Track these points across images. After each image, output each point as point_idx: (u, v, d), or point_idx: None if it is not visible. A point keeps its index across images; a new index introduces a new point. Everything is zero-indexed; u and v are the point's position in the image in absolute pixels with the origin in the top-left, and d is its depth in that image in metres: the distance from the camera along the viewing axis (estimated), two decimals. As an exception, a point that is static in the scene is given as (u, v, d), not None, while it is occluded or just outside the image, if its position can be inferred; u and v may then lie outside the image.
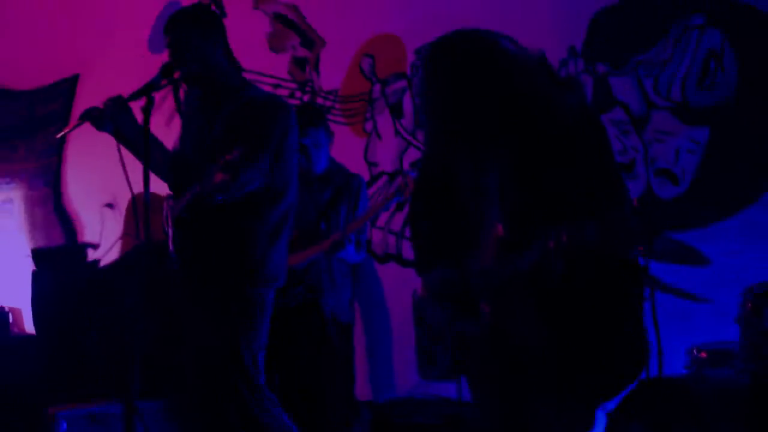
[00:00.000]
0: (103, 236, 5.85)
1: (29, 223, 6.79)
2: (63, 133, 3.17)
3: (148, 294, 2.96)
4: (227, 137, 3.00)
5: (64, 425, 3.60)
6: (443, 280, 2.32)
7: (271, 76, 5.36)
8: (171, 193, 3.11)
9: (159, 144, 3.09)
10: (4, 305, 5.25)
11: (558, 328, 2.15)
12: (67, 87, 6.68)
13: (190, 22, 3.13)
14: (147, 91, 2.84)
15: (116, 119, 2.89)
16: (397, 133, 4.83)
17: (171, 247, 3.11)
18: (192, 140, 3.16)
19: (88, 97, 6.39)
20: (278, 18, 5.35)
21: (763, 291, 3.06)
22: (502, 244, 2.17)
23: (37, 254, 4.74)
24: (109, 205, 5.68)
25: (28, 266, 5.12)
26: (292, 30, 5.32)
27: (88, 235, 6.21)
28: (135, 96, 2.88)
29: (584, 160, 2.14)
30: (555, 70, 2.31)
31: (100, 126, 2.92)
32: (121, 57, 6.06)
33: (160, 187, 3.11)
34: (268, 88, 5.29)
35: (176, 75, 3.03)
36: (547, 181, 2.13)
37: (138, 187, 2.83)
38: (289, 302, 3.71)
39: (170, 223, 3.06)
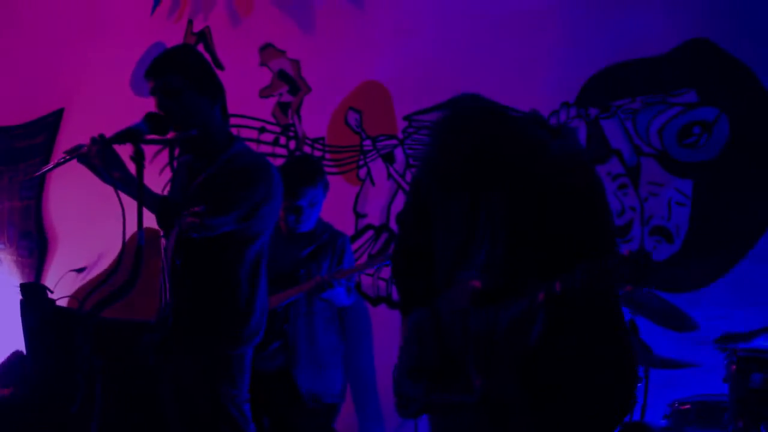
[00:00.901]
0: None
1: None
2: (45, 170, 2.96)
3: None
4: (199, 194, 2.93)
5: None
6: (418, 321, 2.35)
7: (258, 119, 5.36)
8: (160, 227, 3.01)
9: (148, 188, 2.88)
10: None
11: (547, 380, 2.16)
12: (52, 121, 6.63)
13: (181, 69, 2.93)
14: (132, 138, 2.69)
15: (103, 160, 2.73)
16: (389, 176, 4.81)
17: (167, 290, 3.03)
18: (179, 188, 3.09)
19: (72, 132, 6.39)
20: (280, 74, 5.36)
21: (746, 355, 3.19)
22: (477, 294, 2.21)
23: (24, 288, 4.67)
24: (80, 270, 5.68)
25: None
26: (284, 81, 5.34)
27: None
28: (117, 139, 2.71)
29: (575, 206, 2.16)
30: (546, 120, 2.35)
31: (88, 166, 2.76)
32: (104, 93, 6.03)
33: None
34: (253, 133, 5.29)
35: (169, 135, 2.87)
36: (536, 226, 2.16)
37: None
38: (267, 365, 3.58)
39: (168, 268, 3.00)
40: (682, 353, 3.57)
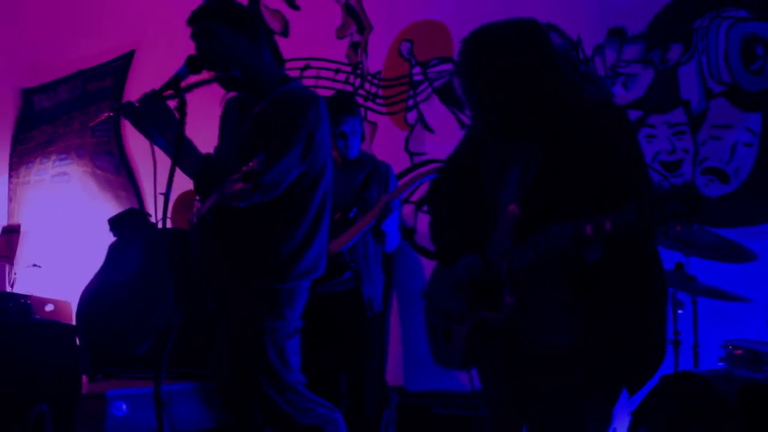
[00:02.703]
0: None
1: (102, 192, 6.88)
2: (94, 123, 3.11)
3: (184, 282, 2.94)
4: (252, 139, 2.93)
5: (123, 406, 3.53)
6: (467, 265, 2.32)
7: (333, 61, 5.48)
8: (197, 194, 3.01)
9: (190, 145, 2.91)
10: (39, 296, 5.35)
11: (587, 316, 2.14)
12: (121, 64, 6.78)
13: (224, 16, 2.98)
14: (175, 87, 2.73)
15: (153, 119, 2.76)
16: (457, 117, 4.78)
17: (193, 247, 3.05)
18: (227, 140, 3.12)
19: (143, 74, 6.53)
20: (347, 9, 5.47)
21: None
22: (518, 224, 2.19)
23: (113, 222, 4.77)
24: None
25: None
26: (353, 19, 5.44)
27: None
28: (164, 90, 2.75)
29: (609, 150, 2.13)
30: (578, 63, 2.29)
31: (134, 124, 2.79)
32: (173, 36, 6.10)
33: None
34: (330, 73, 5.46)
35: (207, 74, 2.91)
36: (573, 171, 2.13)
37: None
38: (339, 288, 3.92)
39: (195, 224, 3.00)
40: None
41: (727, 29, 3.89)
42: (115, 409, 3.52)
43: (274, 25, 5.81)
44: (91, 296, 4.52)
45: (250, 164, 2.56)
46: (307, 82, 5.47)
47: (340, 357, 4.00)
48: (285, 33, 5.79)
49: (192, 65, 2.82)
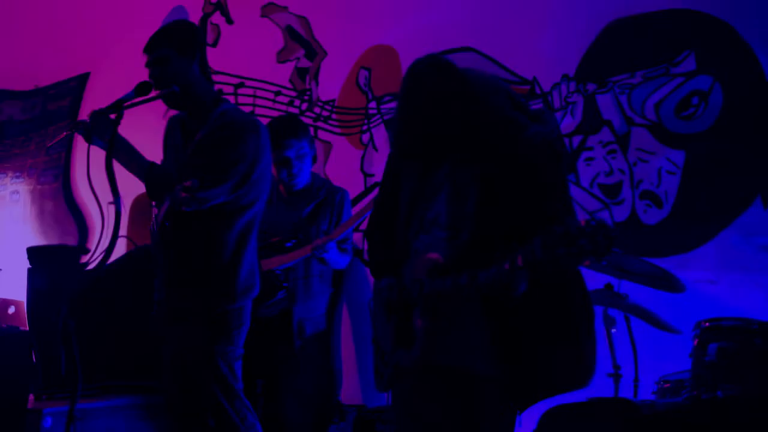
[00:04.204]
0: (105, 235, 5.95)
1: (39, 215, 6.91)
2: (52, 143, 3.27)
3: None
4: (192, 164, 3.10)
5: (49, 421, 3.60)
6: (387, 286, 2.42)
7: (273, 84, 5.49)
8: (152, 203, 3.21)
9: (138, 155, 3.11)
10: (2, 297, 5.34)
11: (497, 344, 2.21)
12: (77, 85, 6.81)
13: (168, 41, 3.16)
14: (119, 105, 2.91)
15: (99, 133, 2.94)
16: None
17: (154, 253, 3.21)
18: (170, 158, 3.28)
19: (97, 95, 6.57)
20: (289, 31, 5.49)
21: (709, 325, 3.09)
22: (437, 267, 2.26)
23: (32, 252, 4.81)
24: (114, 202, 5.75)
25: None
26: (299, 43, 5.45)
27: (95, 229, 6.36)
28: (110, 109, 2.93)
29: (533, 185, 2.22)
30: (521, 101, 2.39)
31: (86, 139, 2.99)
32: (129, 56, 6.15)
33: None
34: (269, 95, 5.41)
35: (152, 93, 3.08)
36: (501, 200, 2.22)
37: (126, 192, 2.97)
38: (271, 311, 3.79)
39: (156, 231, 3.17)
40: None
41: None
42: (45, 423, 3.58)
43: (207, 35, 5.88)
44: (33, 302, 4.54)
45: (187, 183, 2.94)
46: (242, 100, 5.53)
47: (271, 383, 3.85)
48: (215, 43, 5.86)
49: (140, 90, 3.00)
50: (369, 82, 5.09)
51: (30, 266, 4.62)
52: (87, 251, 5.27)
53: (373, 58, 5.13)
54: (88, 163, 2.86)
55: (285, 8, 5.57)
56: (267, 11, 5.67)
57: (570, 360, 2.22)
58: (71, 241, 6.54)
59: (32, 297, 4.52)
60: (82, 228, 6.60)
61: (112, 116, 2.89)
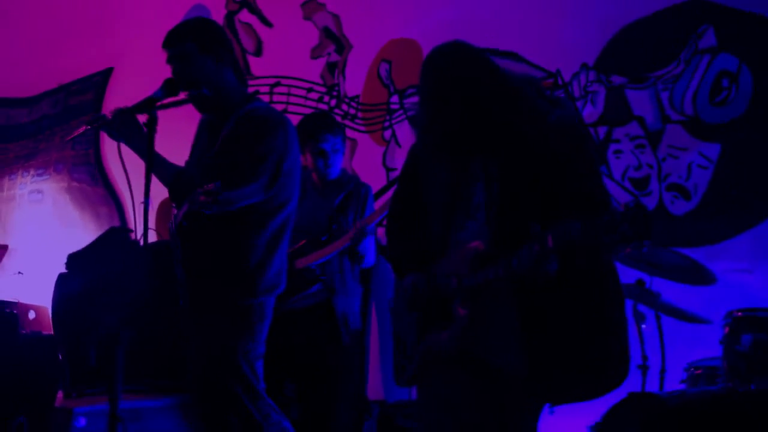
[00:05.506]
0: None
1: (79, 206, 6.91)
2: (71, 137, 3.20)
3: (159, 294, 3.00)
4: (218, 162, 3.02)
5: (83, 421, 3.59)
6: (413, 283, 2.39)
7: (305, 80, 5.51)
8: (172, 202, 3.14)
9: (160, 157, 3.02)
10: (23, 302, 5.34)
11: (539, 330, 2.18)
12: (101, 79, 6.83)
13: (188, 35, 3.07)
14: (148, 106, 2.83)
15: (121, 130, 2.89)
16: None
17: (175, 253, 3.16)
18: (196, 158, 3.21)
19: (120, 89, 6.59)
20: (325, 31, 5.51)
21: (742, 315, 3.06)
22: (480, 256, 2.24)
23: (71, 258, 4.78)
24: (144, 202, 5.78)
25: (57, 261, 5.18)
26: (331, 39, 5.48)
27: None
28: (137, 109, 2.87)
29: (567, 169, 2.20)
30: (544, 89, 2.37)
31: (109, 134, 2.93)
32: (153, 52, 6.16)
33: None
34: (302, 92, 5.47)
35: (180, 95, 3.00)
36: (530, 191, 2.20)
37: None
38: (307, 302, 3.85)
39: (174, 231, 3.12)
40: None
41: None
42: (78, 423, 3.57)
43: (247, 42, 5.87)
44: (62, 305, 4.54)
45: (209, 186, 2.78)
46: (277, 99, 5.52)
47: (289, 366, 3.86)
48: (258, 52, 5.85)
49: (168, 89, 2.91)
50: (390, 74, 5.10)
51: (64, 271, 4.61)
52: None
53: (395, 51, 5.13)
54: (123, 163, 2.80)
55: (323, 6, 5.55)
56: (307, 10, 5.63)
57: (602, 353, 2.19)
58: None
59: (60, 302, 4.49)
60: (120, 213, 6.61)
61: (143, 117, 2.81)
